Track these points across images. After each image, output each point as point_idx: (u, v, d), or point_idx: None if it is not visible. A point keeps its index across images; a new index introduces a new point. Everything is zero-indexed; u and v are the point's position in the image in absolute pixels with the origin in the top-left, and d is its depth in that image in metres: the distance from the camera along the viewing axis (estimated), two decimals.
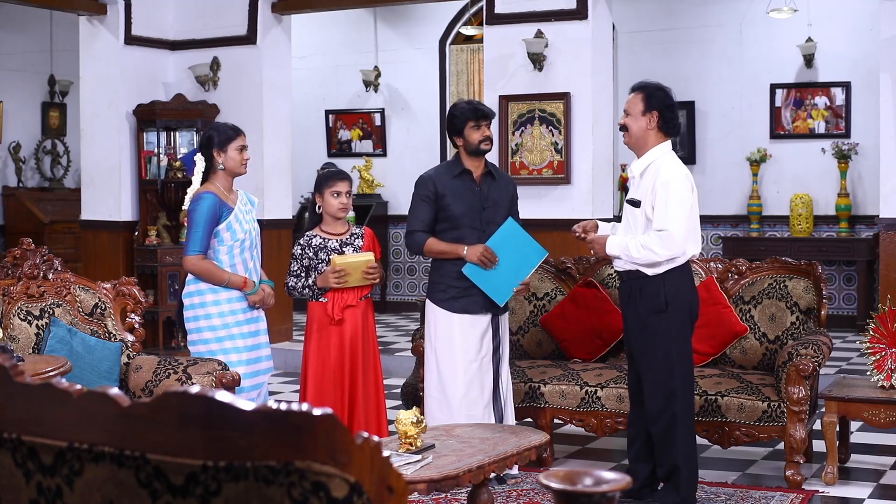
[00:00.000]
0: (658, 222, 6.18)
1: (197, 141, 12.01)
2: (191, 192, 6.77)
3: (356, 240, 7.08)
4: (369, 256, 6.97)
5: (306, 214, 15.46)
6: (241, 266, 6.72)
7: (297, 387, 10.39)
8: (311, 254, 6.97)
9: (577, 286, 8.06)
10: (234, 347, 6.68)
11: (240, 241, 6.68)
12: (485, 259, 6.79)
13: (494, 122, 10.86)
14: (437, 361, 6.95)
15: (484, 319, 6.97)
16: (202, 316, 6.66)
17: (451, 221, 6.91)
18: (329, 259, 6.94)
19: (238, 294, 6.68)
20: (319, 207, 7.06)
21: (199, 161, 6.77)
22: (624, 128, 6.43)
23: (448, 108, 7.23)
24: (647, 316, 6.30)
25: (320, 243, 7.00)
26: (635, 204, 6.34)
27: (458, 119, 6.96)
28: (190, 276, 6.71)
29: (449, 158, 7.25)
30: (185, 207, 6.85)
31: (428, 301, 7.05)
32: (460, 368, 6.87)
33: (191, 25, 12.63)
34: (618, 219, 13.57)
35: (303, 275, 6.97)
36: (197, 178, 6.78)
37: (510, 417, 7.09)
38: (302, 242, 7.03)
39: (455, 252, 6.86)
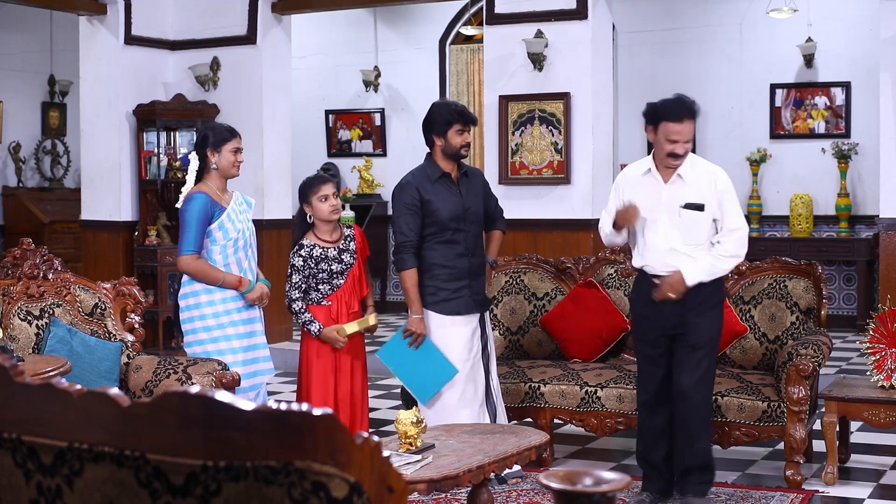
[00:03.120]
0: (731, 223, 6.28)
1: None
2: (184, 191, 6.78)
3: (350, 243, 7.07)
4: (373, 321, 7.05)
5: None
6: (236, 266, 6.72)
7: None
8: (312, 264, 6.95)
9: (578, 286, 8.06)
10: (230, 348, 6.68)
11: (233, 241, 6.68)
12: (414, 339, 6.85)
13: (494, 123, 10.93)
14: None
15: (472, 319, 6.98)
16: (197, 317, 6.67)
17: (439, 225, 6.89)
18: (331, 268, 6.93)
19: (233, 293, 6.68)
20: (310, 217, 7.01)
21: (193, 160, 6.78)
22: (681, 155, 6.41)
23: (430, 109, 7.18)
24: (711, 308, 6.37)
25: (321, 254, 6.96)
26: (699, 208, 6.31)
27: (444, 121, 6.92)
28: (185, 277, 6.72)
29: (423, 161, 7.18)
30: (178, 206, 6.85)
31: None
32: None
33: (191, 25, 12.63)
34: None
35: (303, 286, 6.94)
36: (190, 177, 6.78)
37: (502, 414, 7.10)
38: (303, 254, 6.94)
39: (413, 308, 6.89)
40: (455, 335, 6.90)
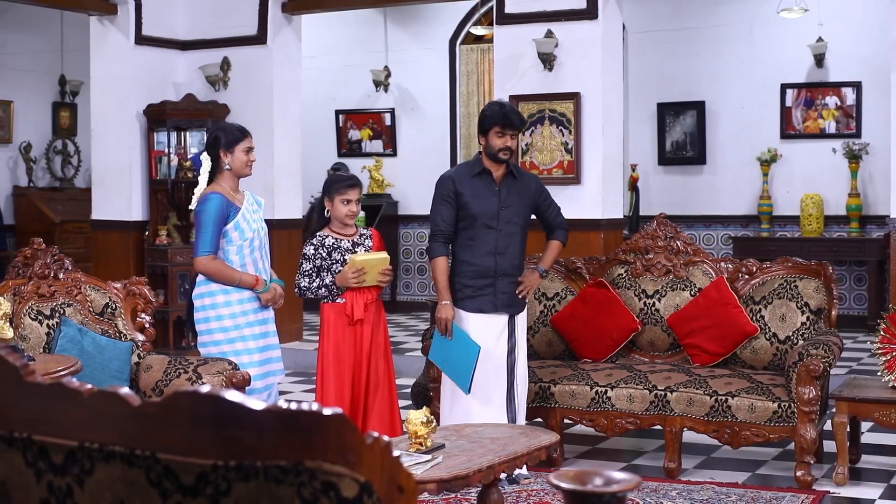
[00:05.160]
0: None
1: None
2: (197, 192, 6.78)
3: (366, 240, 7.10)
4: (385, 255, 6.99)
5: (314, 215, 15.47)
6: (252, 266, 6.72)
7: (308, 386, 10.40)
8: (324, 254, 6.96)
9: (588, 286, 8.06)
10: (246, 349, 6.67)
11: (249, 241, 6.68)
12: (441, 327, 6.93)
13: None
14: None
15: (499, 320, 6.99)
16: (213, 317, 6.66)
17: (469, 220, 6.96)
18: (344, 259, 6.94)
19: (249, 294, 6.68)
20: (328, 211, 7.04)
21: (205, 161, 6.77)
22: None
23: (482, 107, 7.28)
24: None
25: (333, 243, 7.00)
26: None
27: (487, 121, 6.98)
28: (200, 277, 6.70)
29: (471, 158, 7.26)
30: (191, 208, 6.85)
31: None
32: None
33: (201, 25, 12.64)
34: (629, 218, 13.54)
35: (314, 275, 6.96)
36: (203, 178, 6.78)
37: (521, 420, 7.09)
38: (315, 242, 7.01)
39: (441, 296, 6.98)
40: (475, 333, 6.92)
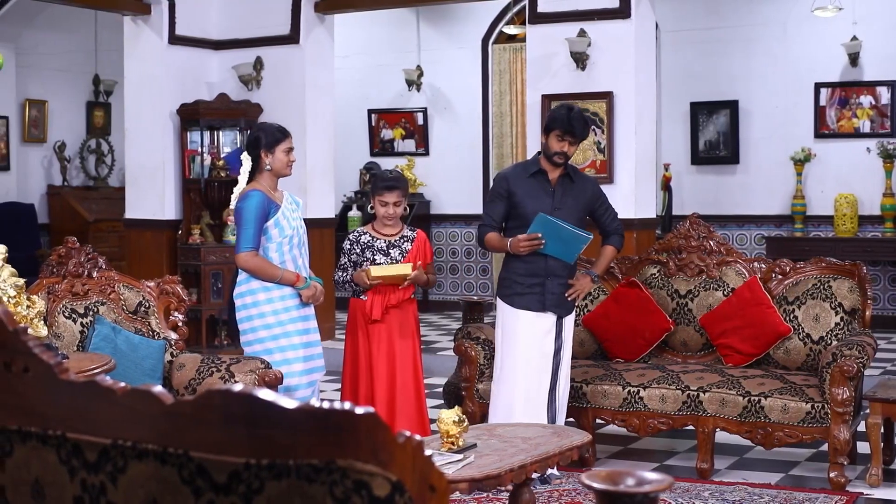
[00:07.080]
0: None
1: (241, 140, 12.07)
2: (237, 191, 6.82)
3: (405, 243, 7.13)
4: (405, 270, 7.00)
5: (349, 214, 15.50)
6: (291, 263, 6.75)
7: (339, 385, 10.42)
8: (358, 250, 7.05)
9: (620, 286, 8.04)
10: (291, 345, 6.70)
11: (288, 238, 6.72)
12: (527, 246, 6.84)
13: (536, 122, 10.89)
14: (501, 357, 7.02)
15: (547, 319, 6.99)
16: (256, 315, 6.69)
17: (521, 219, 7.00)
18: (375, 258, 7.01)
19: (290, 291, 6.71)
20: (371, 208, 7.16)
21: (246, 161, 6.81)
22: None
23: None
24: None
25: (368, 241, 7.07)
26: None
27: (551, 122, 7.00)
28: (241, 276, 6.72)
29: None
30: (231, 206, 6.89)
31: (497, 298, 7.16)
32: (518, 366, 6.92)
33: (234, 25, 12.68)
34: (661, 218, 13.50)
35: (349, 269, 7.06)
36: (243, 178, 6.82)
37: (561, 420, 7.09)
38: (351, 238, 7.13)
39: (502, 248, 7.00)
40: (521, 330, 6.94)
